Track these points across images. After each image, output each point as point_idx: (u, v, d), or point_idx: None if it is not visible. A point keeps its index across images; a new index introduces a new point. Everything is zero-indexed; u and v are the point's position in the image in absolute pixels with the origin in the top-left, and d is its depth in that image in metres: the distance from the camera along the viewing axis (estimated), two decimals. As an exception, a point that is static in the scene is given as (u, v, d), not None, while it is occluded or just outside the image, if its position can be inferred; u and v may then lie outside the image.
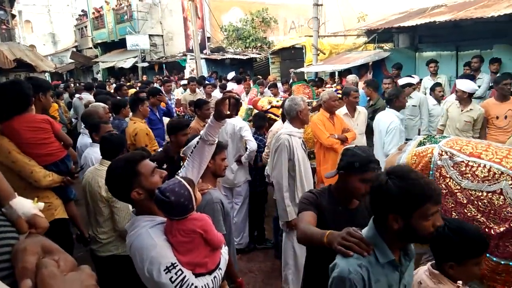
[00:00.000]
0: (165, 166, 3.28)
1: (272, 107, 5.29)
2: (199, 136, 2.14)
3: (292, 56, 13.04)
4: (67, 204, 3.39)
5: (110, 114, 4.82)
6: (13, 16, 16.40)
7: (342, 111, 4.89)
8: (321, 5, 11.08)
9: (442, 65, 8.16)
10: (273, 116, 5.05)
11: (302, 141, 3.71)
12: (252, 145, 4.35)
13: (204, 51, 15.14)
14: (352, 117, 4.88)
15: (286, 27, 19.74)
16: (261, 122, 4.99)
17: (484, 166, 2.59)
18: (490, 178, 2.54)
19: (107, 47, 23.03)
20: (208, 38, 16.53)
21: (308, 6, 12.16)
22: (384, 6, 13.91)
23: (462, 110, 4.95)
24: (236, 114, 2.24)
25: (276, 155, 3.52)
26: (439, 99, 5.90)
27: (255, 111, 5.88)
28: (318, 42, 11.29)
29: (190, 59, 15.29)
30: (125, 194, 1.78)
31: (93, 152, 3.54)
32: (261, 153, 4.64)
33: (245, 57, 15.38)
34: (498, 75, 6.29)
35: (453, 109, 5.05)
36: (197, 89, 8.54)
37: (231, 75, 11.30)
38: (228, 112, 2.07)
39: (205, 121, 5.09)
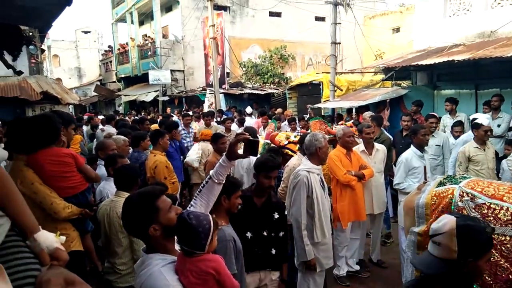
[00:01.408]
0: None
1: (289, 142, 5.30)
2: (208, 176, 2.16)
3: (309, 92, 13.21)
4: (83, 237, 3.42)
5: (130, 147, 4.93)
6: (43, 51, 17.27)
7: (360, 148, 4.87)
8: (339, 43, 11.32)
9: (462, 103, 8.11)
10: (290, 152, 5.06)
11: (321, 178, 3.69)
12: None
13: (223, 86, 15.50)
14: (370, 155, 4.84)
15: (304, 64, 20.14)
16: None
17: (507, 209, 2.52)
18: (514, 222, 2.46)
19: (130, 81, 23.86)
20: (228, 73, 16.98)
21: (326, 44, 12.47)
22: (401, 44, 14.13)
23: (485, 150, 4.89)
24: (255, 154, 2.27)
25: (295, 192, 3.50)
26: (457, 138, 5.83)
27: (273, 145, 5.92)
28: (335, 79, 11.45)
29: (209, 93, 15.66)
30: (141, 230, 1.74)
31: (109, 187, 3.56)
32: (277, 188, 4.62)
33: (263, 92, 15.66)
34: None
35: (476, 152, 4.95)
36: (211, 123, 8.68)
37: (250, 109, 11.48)
38: (241, 153, 2.11)
39: (222, 155, 5.15)
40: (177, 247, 1.84)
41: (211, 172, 2.16)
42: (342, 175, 4.34)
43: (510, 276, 2.40)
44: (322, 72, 13.71)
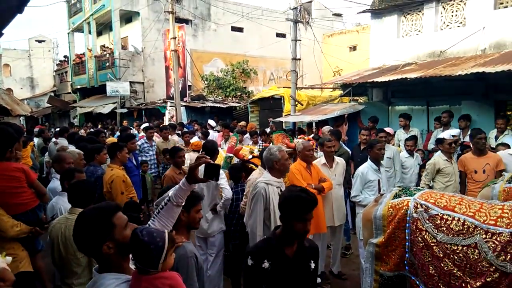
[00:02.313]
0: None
1: (253, 157, 5.33)
2: (167, 197, 2.11)
3: (271, 106, 13.39)
4: (34, 256, 3.21)
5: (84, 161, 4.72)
6: (-8, 60, 16.36)
7: (321, 161, 4.97)
8: (299, 59, 11.61)
9: (414, 119, 8.54)
10: (253, 166, 5.07)
11: (281, 190, 3.70)
12: (227, 193, 4.29)
13: (185, 99, 15.36)
14: (330, 167, 4.95)
15: (266, 78, 20.45)
16: (236, 173, 4.97)
17: (458, 219, 2.64)
18: (464, 231, 2.58)
19: (86, 92, 23.05)
20: (189, 86, 16.85)
21: (287, 59, 12.76)
22: (358, 62, 14.73)
23: (452, 163, 5.16)
24: (216, 178, 2.25)
25: (253, 204, 3.50)
26: (410, 152, 6.11)
27: (235, 159, 5.90)
28: (296, 94, 11.70)
29: (170, 106, 15.44)
30: (94, 247, 1.64)
31: (63, 202, 3.33)
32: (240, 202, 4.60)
33: (225, 106, 15.68)
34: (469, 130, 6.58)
35: (445, 164, 5.15)
36: (170, 136, 8.54)
37: (213, 122, 11.42)
38: (203, 177, 2.10)
39: (181, 169, 5.06)
40: (132, 265, 1.77)
41: (170, 193, 2.11)
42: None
43: (463, 284, 2.51)
44: (283, 87, 13.98)
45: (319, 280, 4.74)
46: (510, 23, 7.61)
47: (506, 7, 7.81)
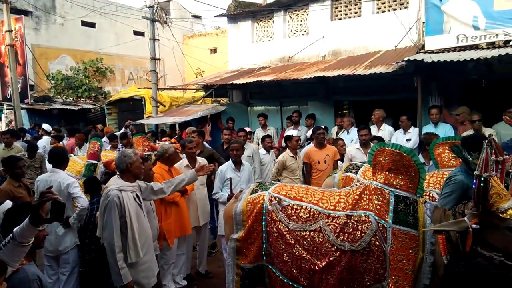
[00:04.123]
0: None
1: None
2: (10, 235, 1.80)
3: (131, 107, 12.70)
4: None
5: None
6: None
7: (183, 162, 4.91)
8: (158, 59, 11.31)
9: (270, 118, 9.21)
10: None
11: (136, 194, 3.51)
12: (83, 202, 3.87)
13: (26, 101, 13.38)
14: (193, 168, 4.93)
15: (124, 78, 19.29)
16: (93, 186, 4.55)
17: (306, 207, 2.93)
18: (311, 218, 2.87)
19: None
20: (32, 86, 14.71)
21: (147, 59, 12.26)
22: (218, 64, 15.16)
23: (296, 159, 5.73)
24: (61, 219, 2.00)
25: (106, 214, 3.21)
26: (267, 149, 6.57)
27: (101, 166, 5.39)
28: (157, 95, 11.37)
29: (7, 109, 13.27)
30: None
31: None
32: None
33: (76, 108, 14.18)
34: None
35: (292, 160, 5.67)
36: (15, 143, 7.38)
37: (48, 127, 9.93)
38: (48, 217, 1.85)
39: (20, 181, 4.39)
40: None
41: (14, 231, 1.79)
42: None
43: (312, 266, 2.78)
44: (144, 88, 13.40)
45: (184, 282, 4.70)
46: (343, 34, 8.84)
47: (340, 19, 9.04)
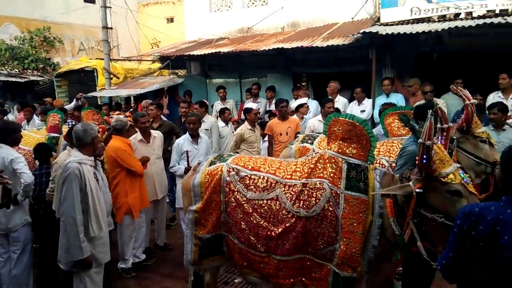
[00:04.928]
0: None
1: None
2: None
3: (82, 79, 12.08)
4: None
5: None
6: None
7: (137, 137, 4.79)
8: (111, 28, 10.74)
9: (229, 91, 9.12)
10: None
11: (97, 169, 3.46)
12: (27, 177, 3.66)
13: (-34, 72, 12.36)
14: (148, 143, 4.85)
15: (75, 49, 18.18)
16: (41, 153, 4.34)
17: (263, 177, 2.99)
18: (268, 187, 2.94)
19: None
20: (-28, 56, 13.61)
21: (98, 28, 11.58)
22: (176, 34, 14.64)
23: (255, 131, 5.88)
24: (8, 205, 1.90)
25: (65, 187, 3.13)
26: (226, 121, 6.54)
27: (63, 140, 5.13)
28: (110, 66, 10.86)
29: None
30: None
31: None
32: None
33: (23, 80, 13.26)
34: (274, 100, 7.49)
35: (250, 133, 5.81)
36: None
37: None
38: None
39: None
40: None
41: None
42: (139, 165, 4.41)
43: (269, 233, 2.86)
44: (96, 58, 12.75)
45: (143, 256, 4.71)
46: (302, 5, 8.78)
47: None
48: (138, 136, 4.78)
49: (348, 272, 2.63)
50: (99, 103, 10.29)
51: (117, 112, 6.67)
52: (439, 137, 2.76)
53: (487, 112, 4.89)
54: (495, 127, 4.63)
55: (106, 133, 5.00)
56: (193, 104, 7.04)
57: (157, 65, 11.76)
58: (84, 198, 3.18)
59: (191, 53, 8.73)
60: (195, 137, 4.84)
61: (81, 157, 3.28)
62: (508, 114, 4.95)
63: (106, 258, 3.45)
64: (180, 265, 4.07)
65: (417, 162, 2.34)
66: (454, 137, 3.59)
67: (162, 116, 6.62)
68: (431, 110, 2.35)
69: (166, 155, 5.22)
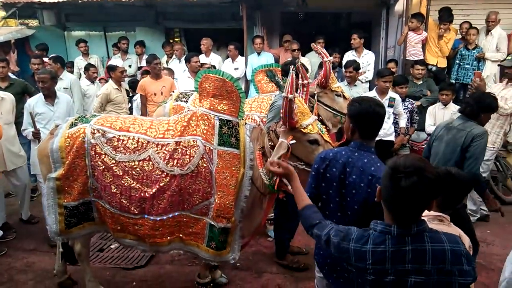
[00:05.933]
0: None
1: None
2: None
3: None
4: None
5: None
6: None
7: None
8: None
9: (93, 45, 8.24)
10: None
11: None
12: None
13: None
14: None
15: None
16: None
17: (133, 138, 2.84)
18: (139, 148, 2.81)
19: None
20: None
21: None
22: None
23: (121, 91, 5.51)
24: None
25: None
26: (92, 80, 5.96)
27: None
28: None
29: None
30: None
31: None
32: None
33: None
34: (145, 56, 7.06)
35: (116, 93, 5.46)
36: None
37: None
38: None
39: None
40: None
41: None
42: None
43: (142, 194, 2.78)
44: None
45: (1, 232, 4.16)
46: None
47: None
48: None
49: (223, 223, 2.75)
50: None
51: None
52: (300, 92, 2.98)
53: (343, 69, 5.47)
54: (349, 82, 5.24)
55: None
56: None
57: (1, 14, 9.88)
58: None
59: (43, 0, 7.55)
60: (49, 97, 4.30)
61: None
62: (360, 71, 5.64)
63: None
64: (47, 239, 3.71)
65: (281, 115, 2.49)
66: (315, 92, 3.94)
67: (11, 74, 5.70)
68: (292, 66, 2.50)
69: (20, 119, 4.55)
